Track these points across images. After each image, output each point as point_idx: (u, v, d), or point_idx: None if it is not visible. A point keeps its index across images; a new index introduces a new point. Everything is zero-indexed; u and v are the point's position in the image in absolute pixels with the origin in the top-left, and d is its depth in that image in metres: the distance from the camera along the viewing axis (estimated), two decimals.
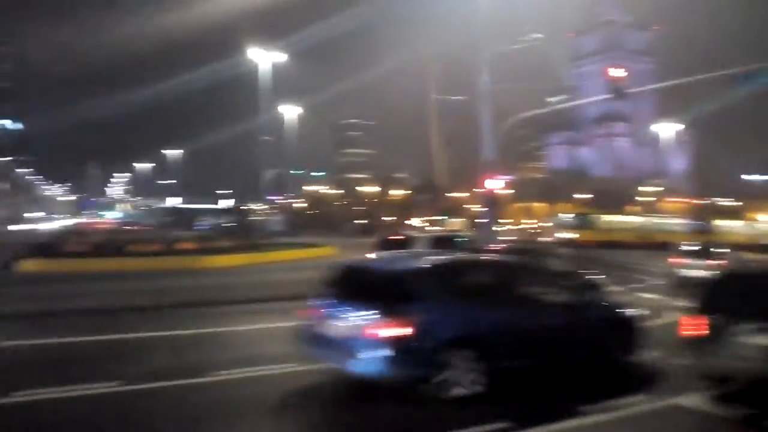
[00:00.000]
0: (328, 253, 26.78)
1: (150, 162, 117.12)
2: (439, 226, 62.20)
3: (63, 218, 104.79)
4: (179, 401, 6.22)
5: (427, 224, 65.81)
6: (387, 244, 13.64)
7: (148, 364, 7.61)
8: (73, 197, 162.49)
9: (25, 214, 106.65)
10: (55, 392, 6.24)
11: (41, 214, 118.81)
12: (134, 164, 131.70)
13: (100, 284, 15.46)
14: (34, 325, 10.24)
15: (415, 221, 72.32)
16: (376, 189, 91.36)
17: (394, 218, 75.80)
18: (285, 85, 48.97)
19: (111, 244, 23.70)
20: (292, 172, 75.23)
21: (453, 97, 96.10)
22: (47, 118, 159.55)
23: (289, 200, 69.45)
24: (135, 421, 5.58)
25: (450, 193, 77.43)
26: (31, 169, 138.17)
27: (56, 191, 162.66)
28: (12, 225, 75.30)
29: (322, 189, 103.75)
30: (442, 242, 13.48)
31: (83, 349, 8.72)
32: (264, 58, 38.95)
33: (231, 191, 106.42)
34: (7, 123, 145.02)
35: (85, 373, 7.02)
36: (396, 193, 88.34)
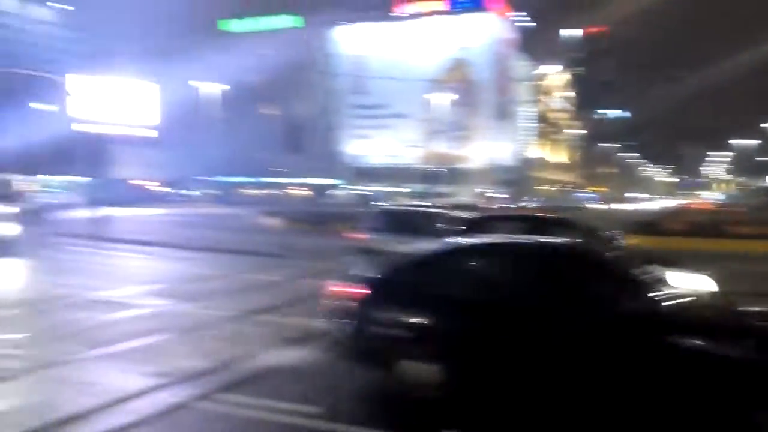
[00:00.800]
0: None
1: (752, 138, 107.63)
2: None
3: (662, 198, 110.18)
4: None
5: None
6: None
7: None
8: (674, 179, 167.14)
9: (627, 194, 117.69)
10: None
11: (642, 194, 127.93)
12: (731, 142, 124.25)
13: (699, 263, 16.34)
14: None
15: None
16: None
17: None
18: None
19: (711, 224, 24.24)
20: None
21: None
22: (648, 102, 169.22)
23: None
24: None
25: None
26: (636, 154, 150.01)
27: (656, 172, 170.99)
28: (615, 204, 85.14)
29: None
30: None
31: None
32: None
33: None
34: (615, 113, 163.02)
35: None
36: None
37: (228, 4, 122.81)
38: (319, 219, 30.16)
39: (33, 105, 69.61)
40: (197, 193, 75.90)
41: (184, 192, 72.34)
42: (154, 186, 69.70)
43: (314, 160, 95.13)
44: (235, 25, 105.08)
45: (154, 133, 66.97)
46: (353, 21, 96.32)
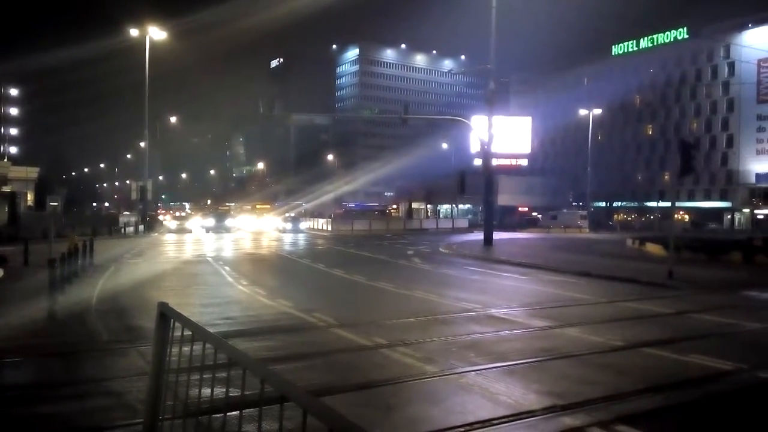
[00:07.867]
0: None
1: None
2: None
3: None
4: None
5: None
6: None
7: None
8: None
9: None
10: None
11: None
12: None
13: None
14: None
15: None
16: None
17: None
18: None
19: None
20: None
21: None
22: None
23: None
24: None
25: None
26: None
27: None
28: None
29: None
30: None
31: None
32: None
33: None
34: None
35: None
36: None
37: (613, 28, 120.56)
38: (709, 246, 26.75)
39: (444, 144, 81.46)
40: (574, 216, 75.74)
41: (559, 217, 73.35)
42: (530, 211, 72.68)
43: (705, 181, 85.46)
44: (616, 48, 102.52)
45: (525, 162, 71.09)
46: (757, 24, 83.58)
